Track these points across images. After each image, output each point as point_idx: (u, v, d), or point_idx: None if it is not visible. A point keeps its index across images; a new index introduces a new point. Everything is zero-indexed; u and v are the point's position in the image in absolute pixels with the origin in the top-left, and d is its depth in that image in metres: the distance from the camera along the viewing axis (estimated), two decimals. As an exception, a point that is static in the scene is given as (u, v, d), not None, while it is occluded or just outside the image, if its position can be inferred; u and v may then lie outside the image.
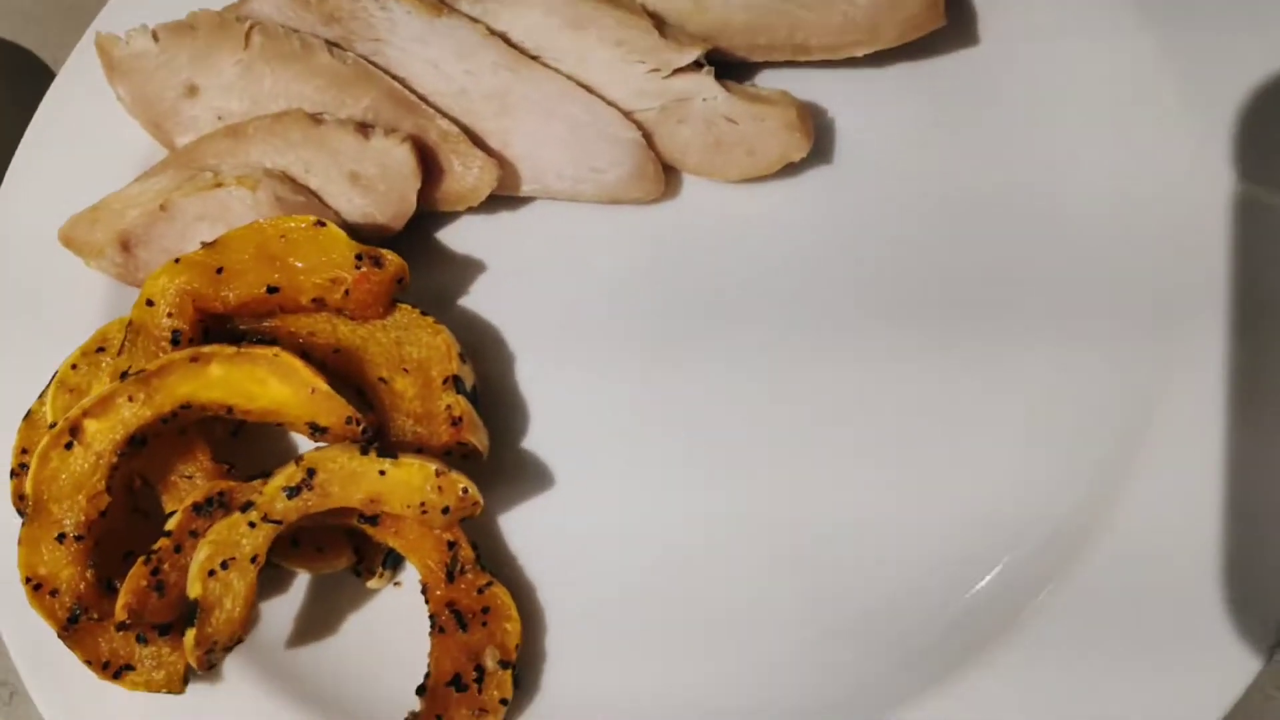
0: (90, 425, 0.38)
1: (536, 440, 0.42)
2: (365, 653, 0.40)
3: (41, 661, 0.41)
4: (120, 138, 0.47)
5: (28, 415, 0.43)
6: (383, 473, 0.37)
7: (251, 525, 0.36)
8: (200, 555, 0.36)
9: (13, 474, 0.42)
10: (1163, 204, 0.40)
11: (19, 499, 0.42)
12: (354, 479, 0.37)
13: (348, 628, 0.41)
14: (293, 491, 0.37)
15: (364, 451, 0.38)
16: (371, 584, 0.41)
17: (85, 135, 0.48)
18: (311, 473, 0.37)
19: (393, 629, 0.41)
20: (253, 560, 0.36)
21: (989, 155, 0.42)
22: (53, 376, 0.43)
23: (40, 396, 0.43)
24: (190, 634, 0.35)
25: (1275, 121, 0.39)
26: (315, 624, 0.41)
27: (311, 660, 0.41)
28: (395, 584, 0.41)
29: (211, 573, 0.36)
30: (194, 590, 0.36)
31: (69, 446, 0.38)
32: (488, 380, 0.43)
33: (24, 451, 0.42)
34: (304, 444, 0.43)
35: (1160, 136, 0.40)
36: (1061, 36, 0.43)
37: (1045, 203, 0.41)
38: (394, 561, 0.41)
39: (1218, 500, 0.36)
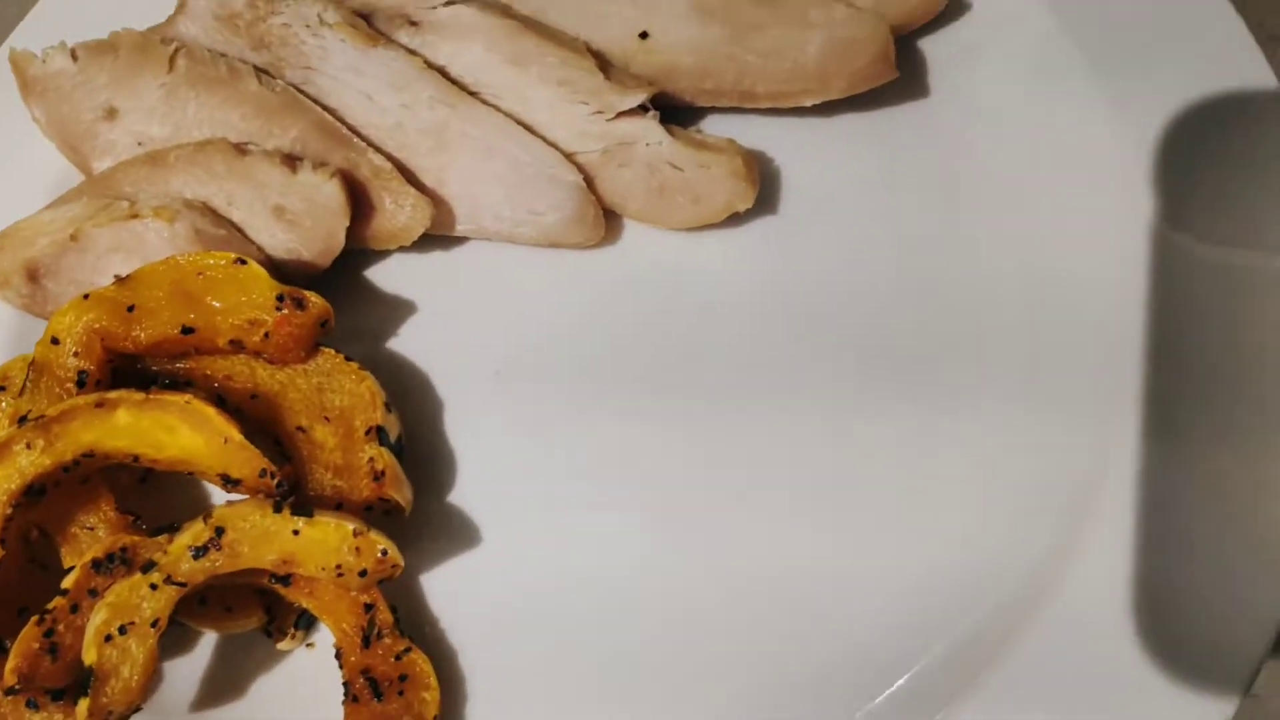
0: (-18, 474, 0.35)
1: (463, 494, 0.41)
2: (280, 717, 0.38)
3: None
4: (32, 160, 0.45)
5: (-81, 456, 0.40)
6: (296, 532, 0.35)
7: (153, 587, 0.34)
8: (97, 619, 0.34)
9: (-101, 519, 0.39)
10: (1113, 260, 0.39)
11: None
12: (266, 538, 0.35)
13: (257, 691, 0.39)
14: (199, 551, 0.35)
15: (277, 509, 0.36)
16: (283, 645, 0.39)
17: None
18: (220, 531, 0.35)
19: (304, 694, 0.39)
20: (153, 625, 0.34)
21: (936, 209, 0.41)
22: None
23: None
24: (84, 704, 0.33)
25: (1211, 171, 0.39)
26: (222, 686, 0.39)
27: (218, 724, 0.38)
28: (308, 645, 0.39)
29: (109, 637, 0.34)
30: (89, 657, 0.33)
31: (-42, 497, 0.35)
32: (413, 428, 0.41)
33: (-88, 495, 0.40)
34: (218, 493, 0.41)
35: (1109, 191, 0.40)
36: (1011, 91, 0.42)
37: (993, 258, 0.40)
38: (307, 622, 0.39)
39: (1177, 547, 0.35)
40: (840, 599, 0.37)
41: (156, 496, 0.41)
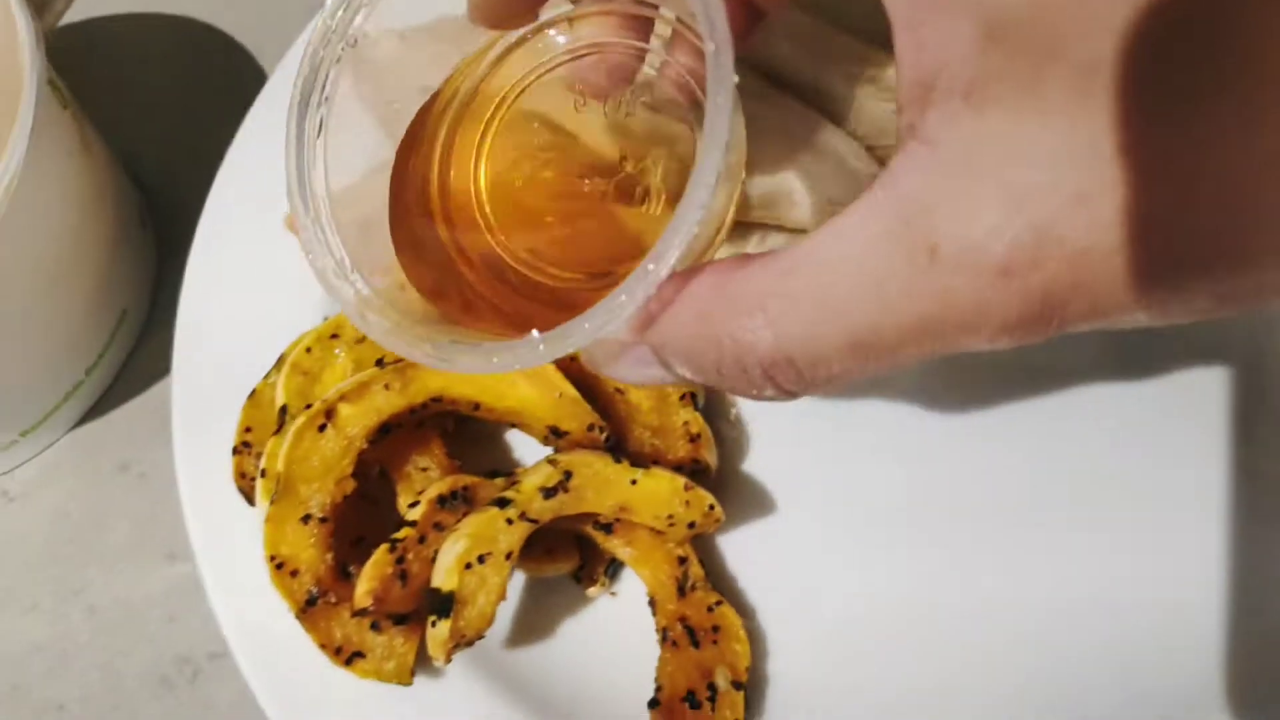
0: (344, 410, 0.38)
1: (757, 463, 0.43)
2: (584, 660, 0.40)
3: (256, 642, 0.40)
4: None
5: (252, 394, 0.43)
6: (634, 482, 0.38)
7: (509, 522, 0.36)
8: (457, 548, 0.36)
9: (235, 451, 0.42)
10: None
11: (240, 476, 0.42)
12: (607, 485, 0.38)
13: (564, 632, 0.41)
14: (549, 492, 0.37)
15: (616, 460, 0.38)
16: (591, 591, 0.41)
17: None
18: (568, 475, 0.37)
19: (610, 638, 0.41)
20: (507, 557, 0.36)
21: None
22: (279, 358, 0.43)
23: (265, 377, 0.43)
24: (444, 626, 0.35)
25: None
26: (532, 626, 0.41)
27: (529, 662, 0.40)
28: (611, 594, 0.41)
29: (468, 565, 0.36)
30: (450, 583, 0.36)
31: (322, 429, 0.38)
32: (708, 396, 0.43)
33: (248, 430, 0.43)
34: (514, 445, 0.44)
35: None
36: None
37: None
38: (614, 570, 0.41)
39: None
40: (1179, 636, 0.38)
41: (464, 447, 0.43)
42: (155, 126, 0.57)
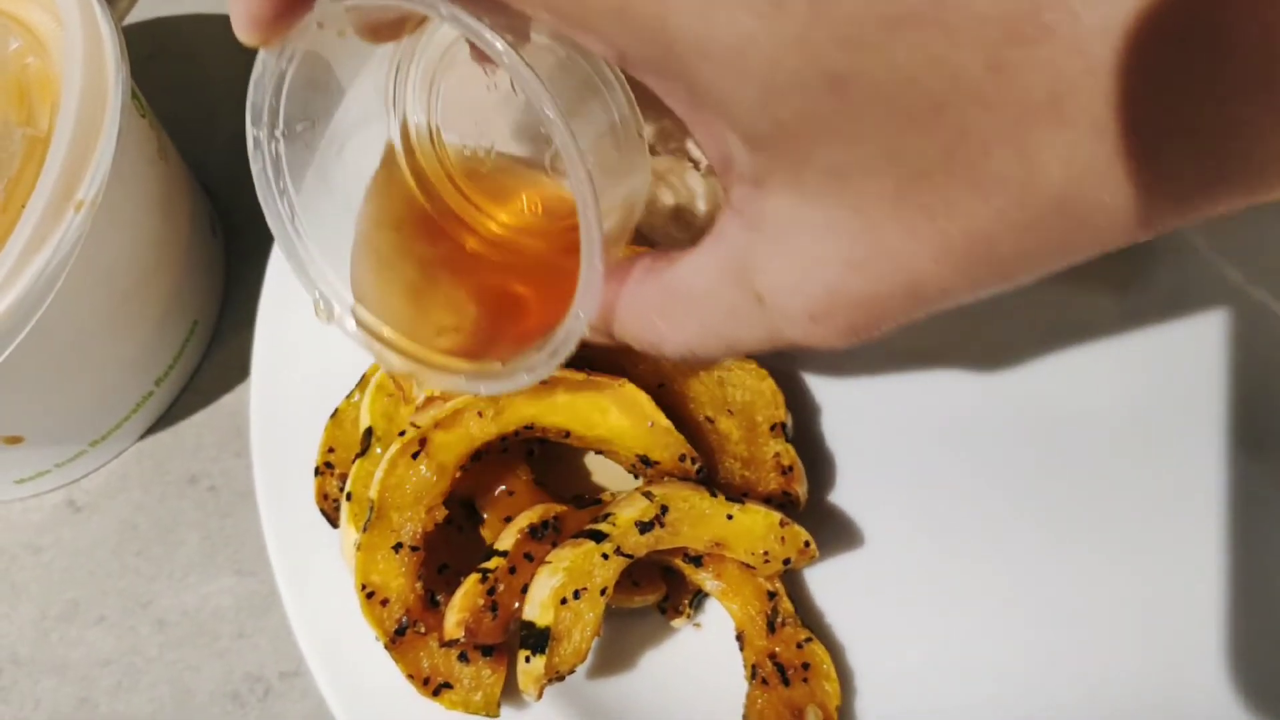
0: (438, 437, 0.38)
1: (844, 495, 0.42)
2: (668, 694, 0.40)
3: (337, 665, 0.40)
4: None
5: (335, 414, 0.42)
6: (730, 517, 0.37)
7: (604, 557, 0.36)
8: (553, 582, 0.35)
9: (317, 472, 0.42)
10: None
11: (323, 498, 0.42)
12: (703, 520, 0.37)
13: (647, 664, 0.41)
14: (645, 527, 0.36)
15: (712, 494, 0.37)
16: (676, 623, 0.40)
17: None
18: (665, 509, 0.37)
19: (695, 672, 0.40)
20: (602, 592, 0.36)
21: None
22: (362, 377, 0.43)
23: (348, 396, 0.43)
24: (539, 662, 0.35)
25: None
26: (615, 657, 0.41)
27: (612, 694, 0.40)
28: (695, 625, 0.41)
29: (564, 601, 0.35)
30: (546, 618, 0.35)
31: (415, 456, 0.37)
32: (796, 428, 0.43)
33: (330, 450, 0.42)
34: (590, 471, 0.43)
35: None
36: None
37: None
38: (698, 602, 0.41)
39: None
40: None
41: (544, 467, 0.43)
42: (220, 130, 0.57)
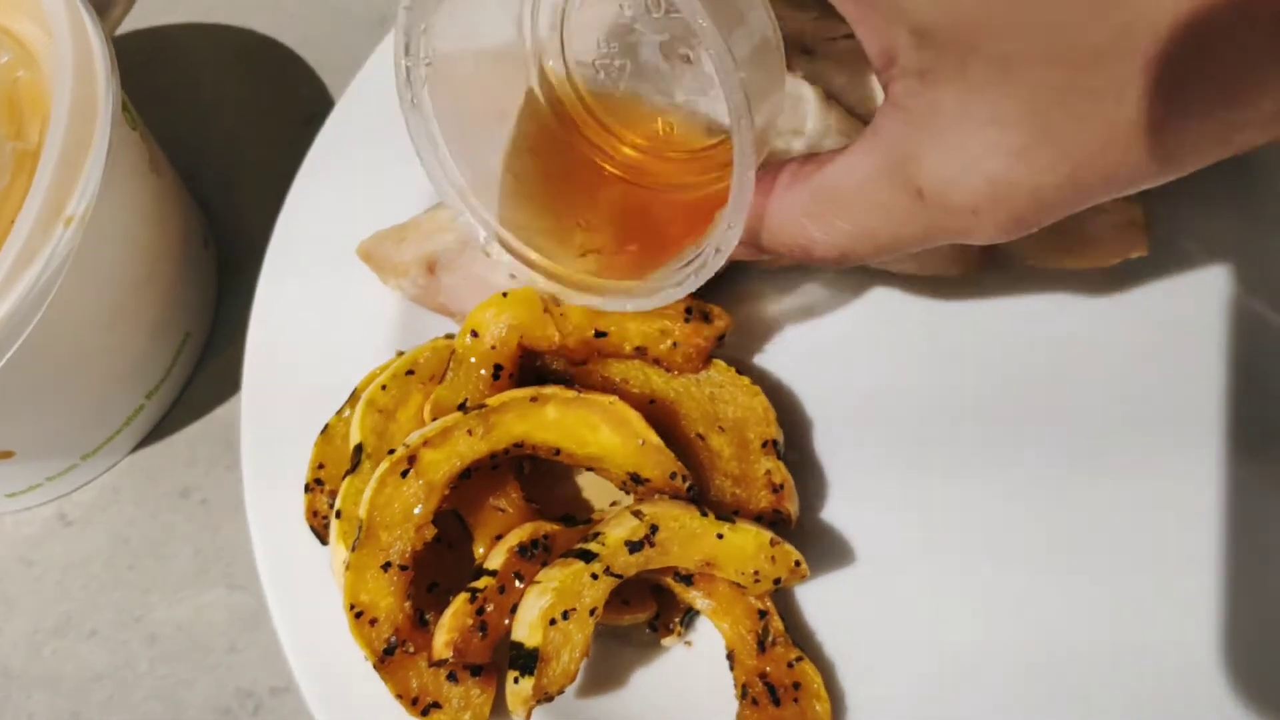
0: (427, 455, 0.37)
1: (836, 513, 0.42)
2: (657, 713, 0.40)
3: (325, 682, 0.40)
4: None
5: (325, 430, 0.42)
6: (720, 536, 0.37)
7: (594, 577, 0.36)
8: (542, 602, 0.35)
9: (307, 489, 0.42)
10: None
11: (312, 515, 0.42)
12: (693, 540, 0.37)
13: (637, 683, 0.40)
14: (635, 546, 0.36)
15: (702, 513, 0.37)
16: (666, 641, 0.40)
17: (380, 149, 0.48)
18: (654, 529, 0.37)
19: (684, 691, 0.40)
20: (591, 613, 0.36)
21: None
22: (352, 393, 0.43)
23: (339, 412, 0.42)
24: (527, 683, 0.35)
25: None
26: (605, 675, 0.41)
27: (601, 713, 0.40)
28: (686, 644, 0.41)
29: (553, 621, 0.35)
30: (534, 639, 0.35)
31: (404, 475, 0.37)
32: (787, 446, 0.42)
33: (320, 466, 0.42)
34: (581, 488, 0.43)
35: None
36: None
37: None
38: (689, 620, 0.41)
39: None
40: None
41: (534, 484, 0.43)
42: (213, 141, 0.57)
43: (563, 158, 0.38)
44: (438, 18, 0.34)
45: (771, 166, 0.31)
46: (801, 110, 0.42)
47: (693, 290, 0.32)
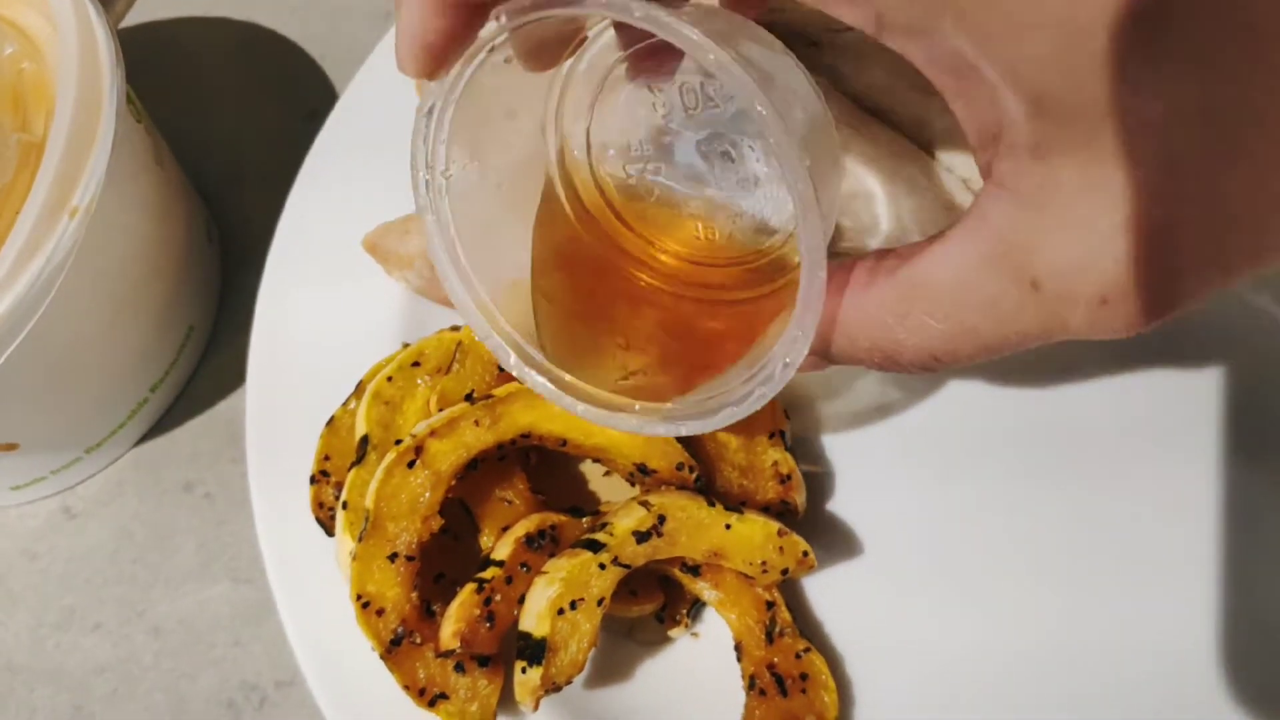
0: (433, 446, 0.37)
1: (843, 504, 0.42)
2: (664, 703, 0.40)
3: (332, 674, 0.40)
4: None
5: (330, 422, 0.42)
6: (728, 527, 0.37)
7: (601, 567, 0.36)
8: (550, 592, 0.35)
9: (313, 480, 0.42)
10: None
11: (318, 506, 0.41)
12: (701, 530, 0.37)
13: (644, 673, 0.40)
14: (642, 537, 0.36)
15: (710, 503, 0.37)
16: (673, 632, 0.40)
17: (384, 142, 0.48)
18: (662, 519, 0.36)
19: (691, 681, 0.40)
20: (599, 603, 0.36)
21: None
22: (358, 385, 0.42)
23: (344, 404, 0.42)
24: (535, 673, 0.35)
25: None
26: (613, 666, 0.40)
27: (609, 703, 0.40)
28: (693, 635, 0.41)
29: (560, 611, 0.35)
30: (542, 629, 0.35)
31: (411, 465, 0.37)
32: (795, 434, 0.42)
33: (326, 458, 0.42)
34: (587, 479, 0.43)
35: None
36: None
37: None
38: (696, 611, 0.41)
39: None
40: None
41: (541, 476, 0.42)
42: (217, 135, 0.56)
43: (596, 273, 0.35)
44: (458, 126, 0.31)
45: (844, 263, 0.27)
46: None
47: (756, 410, 0.28)
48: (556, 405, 0.32)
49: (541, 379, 0.33)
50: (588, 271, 0.35)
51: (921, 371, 0.26)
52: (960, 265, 0.24)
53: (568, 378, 0.33)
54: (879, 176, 0.43)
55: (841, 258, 0.31)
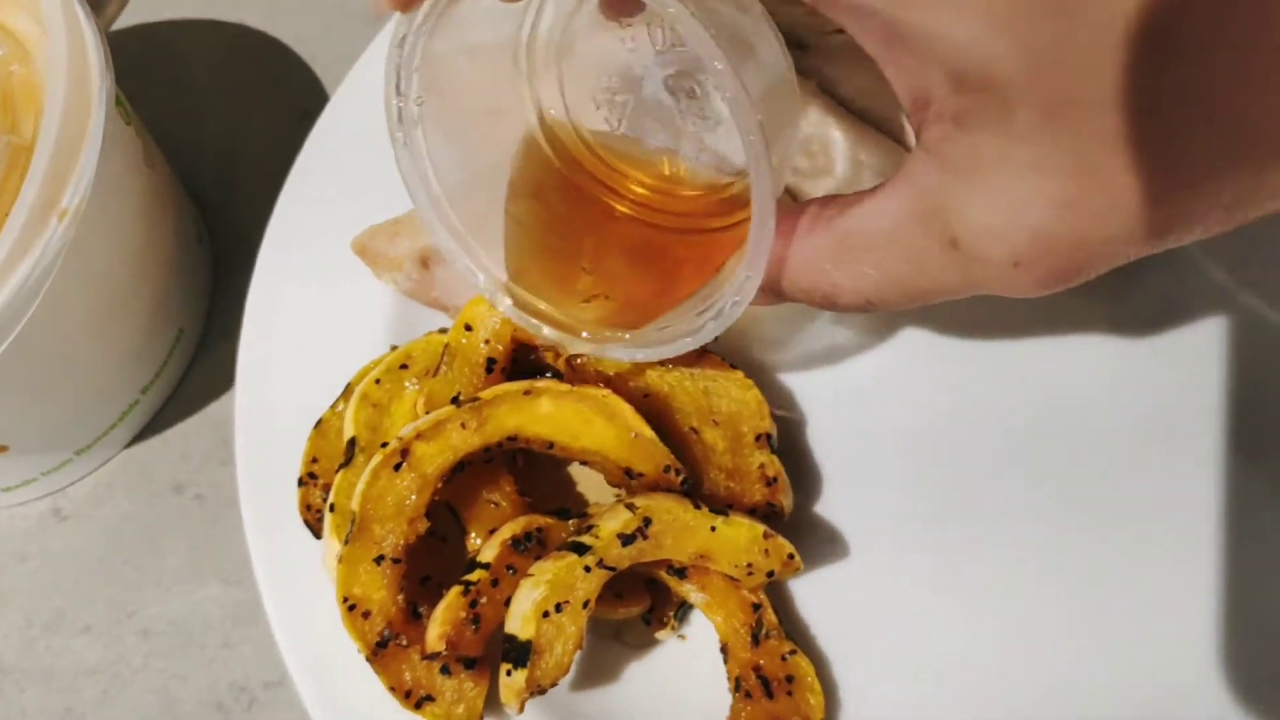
0: (420, 448, 0.37)
1: (830, 506, 0.42)
2: (650, 705, 0.40)
3: (320, 676, 0.40)
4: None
5: (319, 424, 0.42)
6: (713, 529, 0.37)
7: (587, 569, 0.36)
8: (534, 595, 0.35)
9: (301, 483, 0.42)
10: None
11: (306, 509, 0.42)
12: (687, 532, 0.37)
13: (631, 675, 0.41)
14: (628, 539, 0.36)
15: (696, 505, 0.37)
16: (660, 635, 0.40)
17: (375, 144, 0.48)
18: (647, 521, 0.37)
19: (677, 683, 0.40)
20: (584, 605, 0.36)
21: None
22: (346, 387, 0.43)
23: (332, 406, 0.42)
24: (520, 676, 0.35)
25: None
26: (599, 668, 0.41)
27: (595, 706, 0.40)
28: (680, 637, 0.41)
29: (545, 614, 0.35)
30: (527, 631, 0.35)
31: (397, 468, 0.37)
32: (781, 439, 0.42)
33: (314, 461, 0.42)
34: (575, 481, 0.43)
35: None
36: None
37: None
38: (683, 613, 0.41)
39: None
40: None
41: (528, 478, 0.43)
42: (207, 137, 0.57)
43: (567, 200, 0.37)
44: (429, 55, 0.32)
45: (792, 208, 0.29)
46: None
47: (708, 341, 0.31)
48: (521, 326, 0.35)
49: (507, 301, 0.35)
50: (560, 199, 0.36)
51: (859, 311, 0.29)
52: (891, 220, 0.26)
53: (539, 304, 0.35)
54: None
55: (800, 197, 0.34)
